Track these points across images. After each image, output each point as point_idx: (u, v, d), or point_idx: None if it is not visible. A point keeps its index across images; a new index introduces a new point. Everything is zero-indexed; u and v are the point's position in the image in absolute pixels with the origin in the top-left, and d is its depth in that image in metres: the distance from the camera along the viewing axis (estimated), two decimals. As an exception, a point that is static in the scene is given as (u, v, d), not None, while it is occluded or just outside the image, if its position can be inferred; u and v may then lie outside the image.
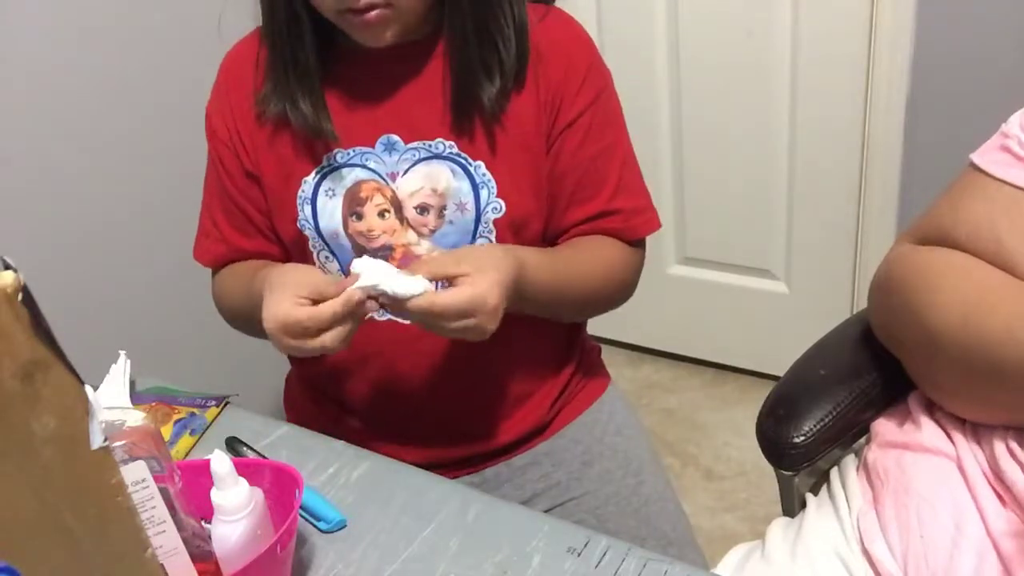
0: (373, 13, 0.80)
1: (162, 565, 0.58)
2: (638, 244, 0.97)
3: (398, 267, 0.78)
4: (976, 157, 0.80)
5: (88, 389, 0.42)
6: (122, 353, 0.90)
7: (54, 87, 1.36)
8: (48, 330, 0.39)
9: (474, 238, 0.90)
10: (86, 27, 1.39)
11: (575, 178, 0.91)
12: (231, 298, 0.97)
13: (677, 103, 1.91)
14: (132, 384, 0.93)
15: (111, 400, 0.84)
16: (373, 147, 0.89)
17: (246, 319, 0.91)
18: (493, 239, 0.90)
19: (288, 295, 0.76)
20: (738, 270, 2.04)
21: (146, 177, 1.50)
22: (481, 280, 0.75)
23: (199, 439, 0.91)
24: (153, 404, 0.95)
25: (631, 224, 0.94)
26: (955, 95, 1.62)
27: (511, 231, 0.90)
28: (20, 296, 0.37)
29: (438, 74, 0.88)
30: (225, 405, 0.96)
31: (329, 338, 0.76)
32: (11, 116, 1.31)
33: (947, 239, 0.79)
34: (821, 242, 1.89)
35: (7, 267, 0.38)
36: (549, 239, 0.96)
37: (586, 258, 0.93)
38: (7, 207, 1.32)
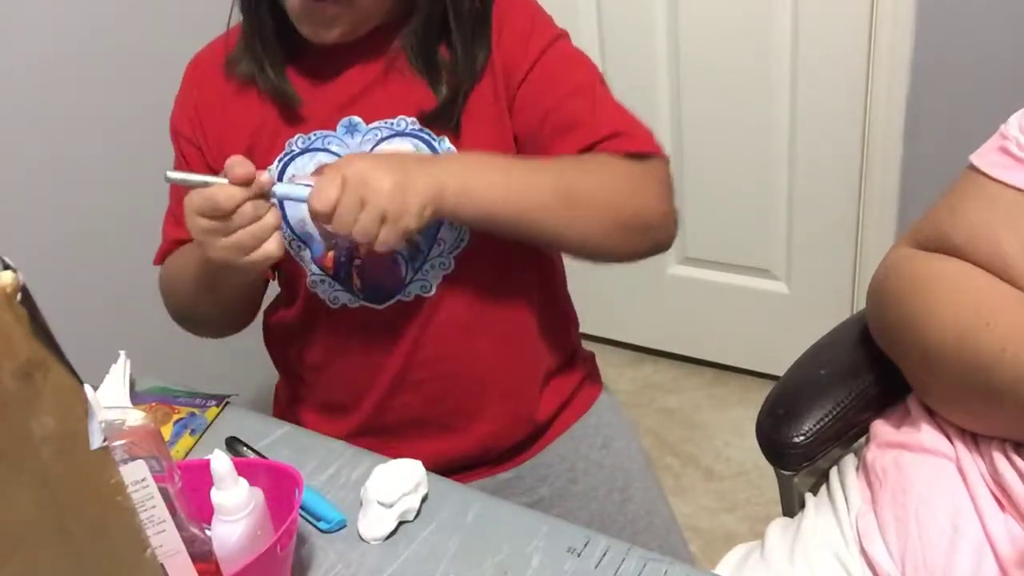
0: (330, 8, 0.81)
1: (162, 565, 0.58)
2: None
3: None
4: (975, 158, 0.80)
5: (88, 389, 0.42)
6: (122, 353, 0.91)
7: (53, 87, 1.36)
8: (47, 330, 0.39)
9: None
10: (87, 24, 1.39)
11: (548, 128, 0.87)
12: (178, 281, 0.94)
13: (677, 103, 1.91)
14: (132, 384, 0.94)
15: (111, 400, 0.84)
16: (335, 130, 0.89)
17: (193, 297, 0.91)
18: None
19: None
20: (738, 270, 2.04)
21: (146, 177, 1.49)
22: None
23: (199, 439, 0.91)
24: (153, 404, 0.95)
25: (634, 143, 0.86)
26: (955, 95, 1.62)
27: None
28: (19, 296, 0.37)
29: (398, 56, 0.88)
30: (225, 405, 0.96)
31: (248, 220, 0.74)
32: (11, 116, 1.31)
33: (946, 242, 0.79)
34: (821, 242, 1.89)
35: (7, 267, 0.38)
36: None
37: (583, 160, 0.85)
38: (7, 207, 1.32)
